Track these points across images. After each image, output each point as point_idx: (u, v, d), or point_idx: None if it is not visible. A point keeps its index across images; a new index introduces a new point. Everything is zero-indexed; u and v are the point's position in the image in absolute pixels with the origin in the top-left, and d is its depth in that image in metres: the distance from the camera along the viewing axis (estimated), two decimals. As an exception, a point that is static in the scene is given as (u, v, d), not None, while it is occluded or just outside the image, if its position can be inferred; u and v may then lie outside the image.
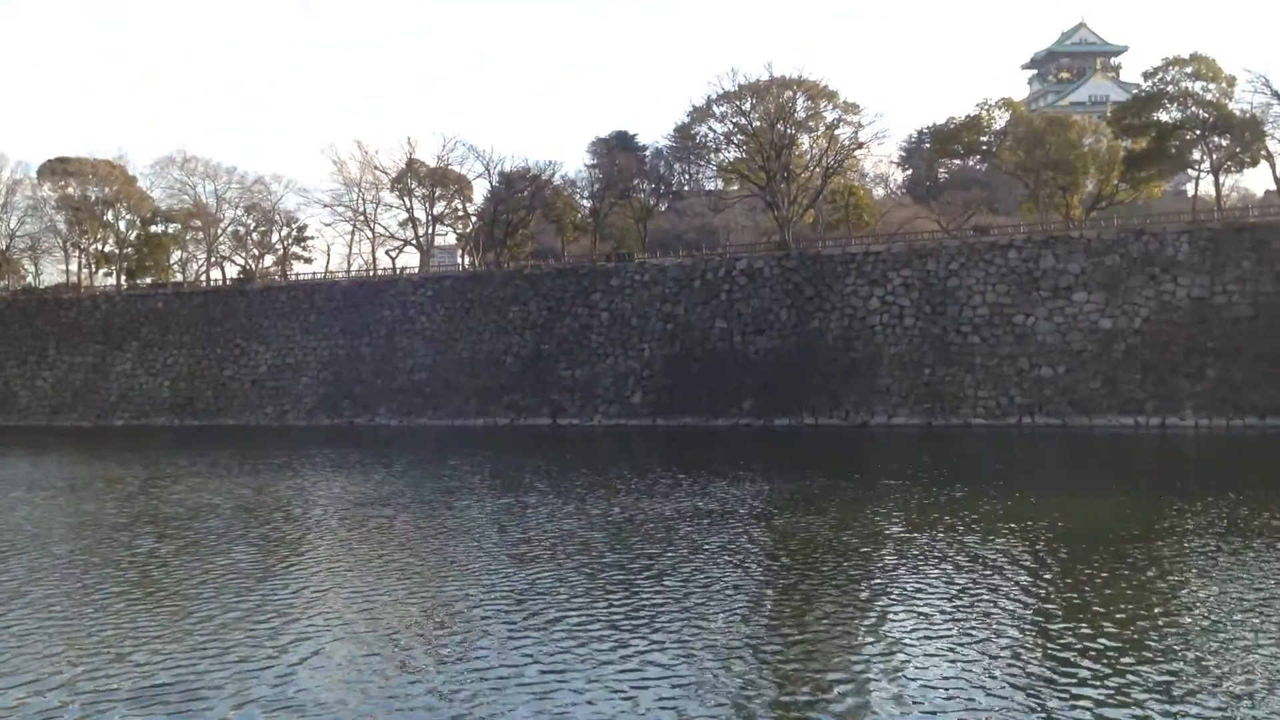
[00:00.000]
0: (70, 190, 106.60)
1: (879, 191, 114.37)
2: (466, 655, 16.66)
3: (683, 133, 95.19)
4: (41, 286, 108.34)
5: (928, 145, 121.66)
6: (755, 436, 62.48)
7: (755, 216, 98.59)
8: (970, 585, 20.63)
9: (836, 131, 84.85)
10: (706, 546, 25.29)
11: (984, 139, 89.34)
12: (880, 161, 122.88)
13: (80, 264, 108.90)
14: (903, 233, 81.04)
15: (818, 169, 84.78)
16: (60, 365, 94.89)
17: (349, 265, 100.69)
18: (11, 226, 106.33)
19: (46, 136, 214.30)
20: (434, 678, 15.56)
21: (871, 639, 17.31)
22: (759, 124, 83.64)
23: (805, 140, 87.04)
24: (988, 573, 21.71)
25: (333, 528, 29.82)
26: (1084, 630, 17.26)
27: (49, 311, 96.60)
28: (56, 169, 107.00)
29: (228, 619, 19.20)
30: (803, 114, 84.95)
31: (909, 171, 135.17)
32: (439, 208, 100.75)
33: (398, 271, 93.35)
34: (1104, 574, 21.38)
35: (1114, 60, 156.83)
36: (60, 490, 41.06)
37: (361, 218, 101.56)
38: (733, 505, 31.95)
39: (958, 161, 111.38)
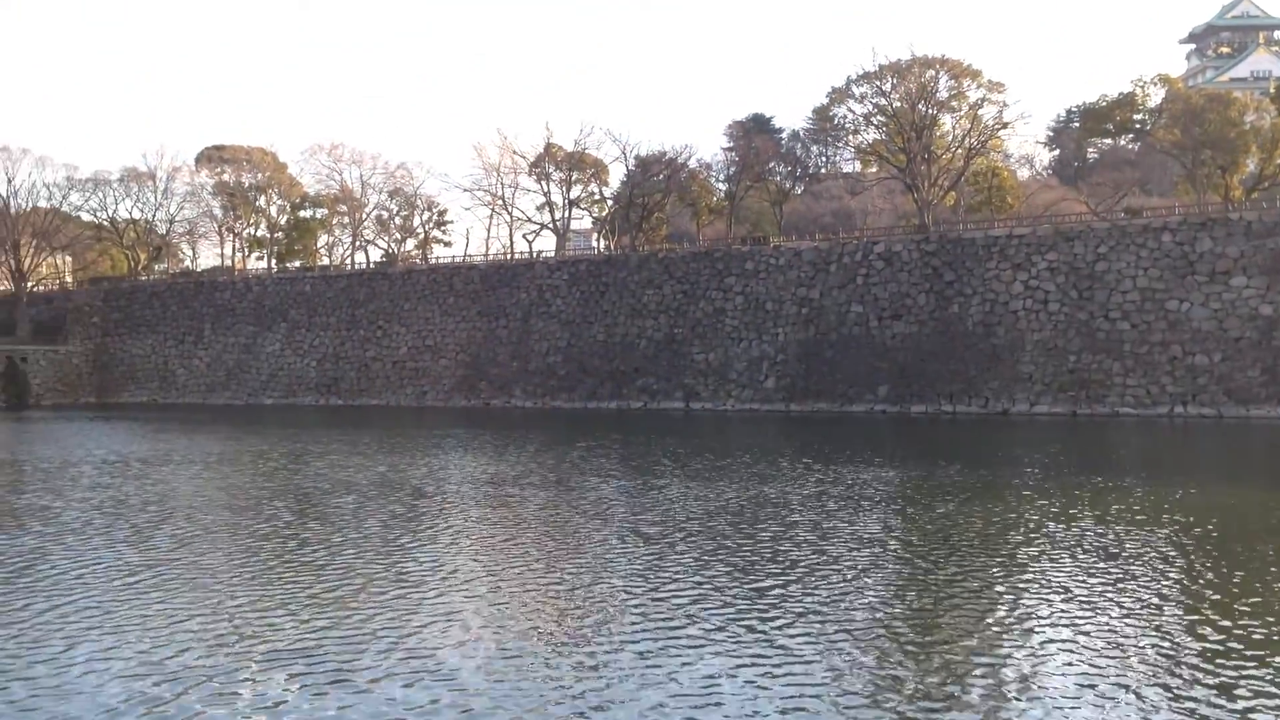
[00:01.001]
0: (225, 177, 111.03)
1: (1024, 173, 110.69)
2: (592, 636, 16.61)
3: (821, 114, 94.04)
4: (198, 269, 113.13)
5: (1077, 124, 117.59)
6: (891, 423, 61.27)
7: (894, 199, 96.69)
8: (1114, 579, 19.70)
9: (980, 111, 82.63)
10: (837, 533, 24.80)
11: (1138, 117, 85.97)
12: (1025, 141, 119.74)
13: (234, 248, 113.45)
14: (1049, 215, 78.34)
15: (960, 150, 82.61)
16: (215, 345, 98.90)
17: (487, 249, 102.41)
18: (171, 212, 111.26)
19: (202, 125, 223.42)
20: (560, 656, 15.54)
21: (1007, 631, 16.66)
22: (899, 104, 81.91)
23: (947, 120, 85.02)
24: (1133, 567, 20.72)
25: (464, 505, 30.25)
26: (1231, 630, 16.27)
27: (205, 293, 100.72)
28: (213, 156, 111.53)
29: (361, 591, 19.58)
30: (945, 93, 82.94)
31: (1056, 152, 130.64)
32: (575, 192, 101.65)
33: (534, 255, 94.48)
34: (1258, 574, 20.17)
35: (1278, 34, 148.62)
36: (210, 464, 42.74)
37: (500, 202, 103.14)
38: (866, 492, 31.31)
39: (1109, 141, 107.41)
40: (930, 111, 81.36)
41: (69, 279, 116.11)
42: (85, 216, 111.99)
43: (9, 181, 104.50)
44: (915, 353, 69.71)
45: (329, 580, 20.61)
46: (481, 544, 24.57)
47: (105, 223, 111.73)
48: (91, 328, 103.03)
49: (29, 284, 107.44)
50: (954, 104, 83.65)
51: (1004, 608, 18.07)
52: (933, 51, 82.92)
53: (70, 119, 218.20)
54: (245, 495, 33.19)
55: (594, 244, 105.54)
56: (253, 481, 36.76)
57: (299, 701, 13.78)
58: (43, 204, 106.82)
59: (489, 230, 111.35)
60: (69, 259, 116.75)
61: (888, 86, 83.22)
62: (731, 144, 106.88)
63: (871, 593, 19.19)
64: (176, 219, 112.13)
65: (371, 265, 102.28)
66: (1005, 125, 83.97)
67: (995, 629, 16.86)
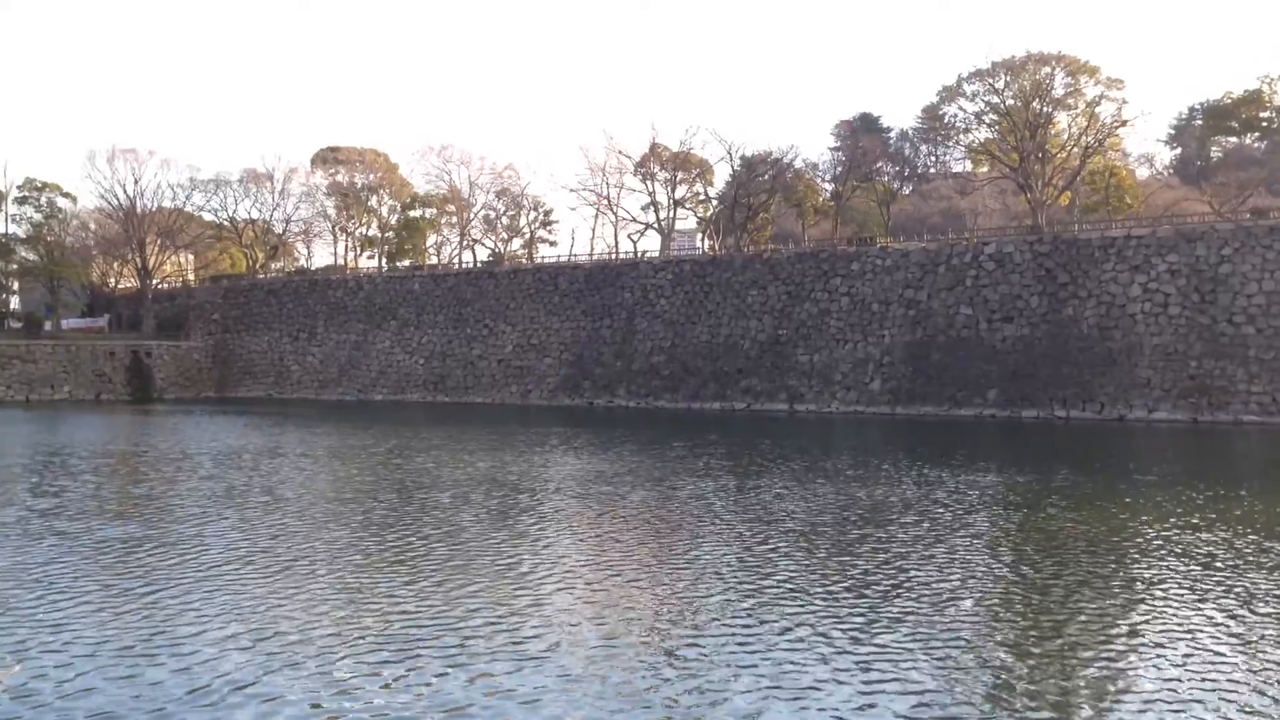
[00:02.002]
0: (339, 177, 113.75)
1: (1143, 172, 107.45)
2: (691, 634, 16.46)
3: (930, 113, 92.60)
4: (312, 268, 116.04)
5: (1200, 121, 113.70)
6: (1000, 428, 59.84)
7: (1005, 199, 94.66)
8: (1234, 593, 18.85)
9: (1097, 109, 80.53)
10: (944, 538, 24.23)
11: (1264, 115, 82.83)
12: (1145, 140, 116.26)
13: (346, 247, 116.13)
14: (1169, 215, 75.79)
15: (1076, 148, 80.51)
16: (328, 342, 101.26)
17: (592, 248, 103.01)
18: (288, 212, 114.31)
19: (318, 127, 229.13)
20: (659, 652, 15.43)
21: (1121, 643, 16.03)
22: (1013, 102, 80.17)
23: (1063, 118, 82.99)
24: (1255, 581, 19.80)
25: (564, 502, 30.35)
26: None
27: (318, 291, 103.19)
28: (327, 157, 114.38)
29: (462, 582, 19.73)
30: (1061, 90, 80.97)
31: (1177, 150, 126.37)
32: (680, 192, 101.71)
33: (639, 255, 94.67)
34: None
35: None
36: (320, 457, 43.71)
37: (605, 202, 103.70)
38: (975, 496, 30.57)
39: (1233, 139, 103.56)
40: (1045, 109, 79.43)
41: (191, 277, 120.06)
42: (207, 216, 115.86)
43: (136, 182, 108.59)
44: (1026, 356, 68.01)
45: (431, 570, 20.83)
46: (581, 539, 24.60)
47: (225, 222, 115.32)
48: (211, 324, 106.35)
49: (154, 281, 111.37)
50: (1070, 101, 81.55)
51: (1119, 620, 17.40)
52: (1048, 47, 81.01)
53: (194, 121, 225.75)
54: (352, 487, 33.82)
55: (698, 244, 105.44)
56: (360, 475, 37.46)
57: (407, 686, 13.92)
58: (167, 204, 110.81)
59: (594, 230, 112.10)
60: (191, 257, 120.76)
61: (1001, 84, 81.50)
62: (838, 144, 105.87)
63: (979, 602, 18.66)
64: (292, 219, 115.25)
65: (478, 264, 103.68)
66: (1124, 123, 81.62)
67: (1107, 642, 16.25)
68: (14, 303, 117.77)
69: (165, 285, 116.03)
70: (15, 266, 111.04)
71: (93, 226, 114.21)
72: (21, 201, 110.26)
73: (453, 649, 15.65)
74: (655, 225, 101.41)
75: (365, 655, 15.37)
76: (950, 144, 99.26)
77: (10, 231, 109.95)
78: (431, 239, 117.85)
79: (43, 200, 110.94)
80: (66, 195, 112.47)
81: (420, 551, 22.98)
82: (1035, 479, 34.92)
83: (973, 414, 66.95)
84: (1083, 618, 17.38)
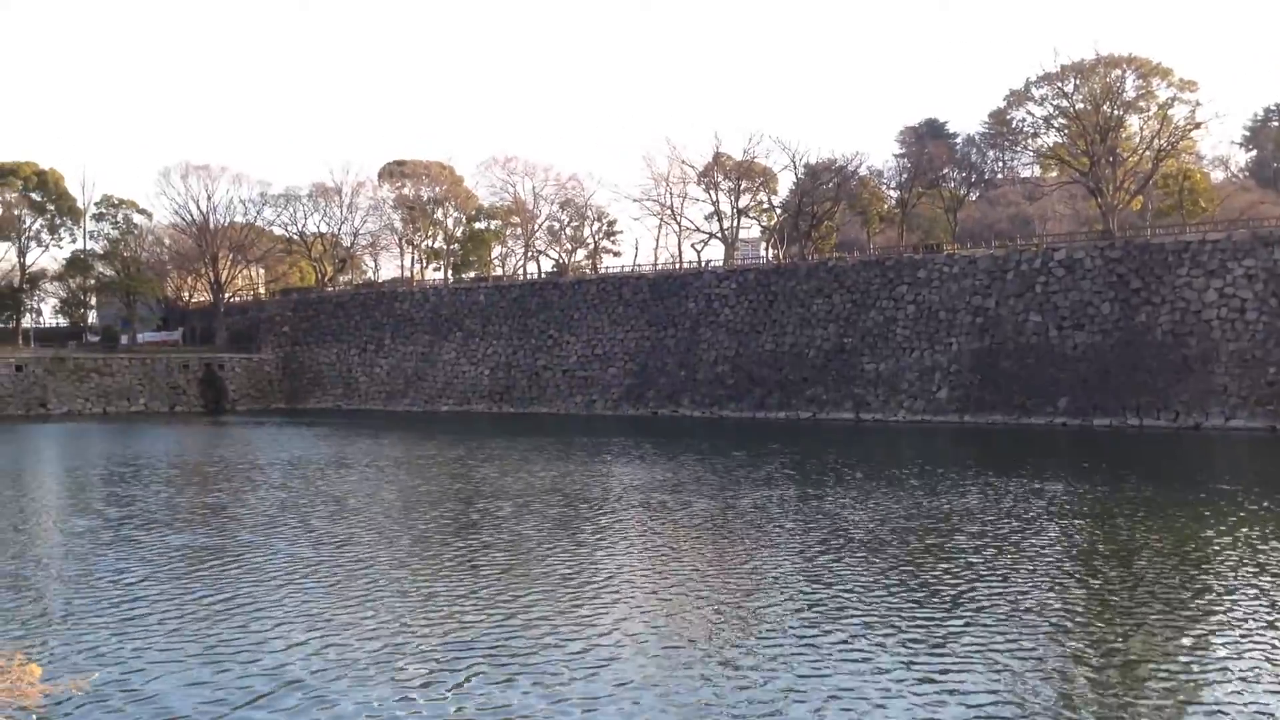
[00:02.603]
0: (406, 191, 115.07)
1: (1218, 175, 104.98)
2: (752, 643, 16.31)
3: (997, 118, 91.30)
4: (379, 280, 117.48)
5: (1276, 123, 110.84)
6: (1072, 436, 58.72)
7: (1075, 204, 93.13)
8: (1320, 605, 18.25)
9: (1170, 111, 78.82)
10: (1014, 548, 23.78)
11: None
12: (1220, 142, 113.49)
13: (413, 259, 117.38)
14: (1245, 219, 73.91)
15: (1148, 152, 78.96)
16: (395, 354, 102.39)
17: (656, 258, 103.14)
18: (355, 225, 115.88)
19: (385, 141, 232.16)
20: (719, 661, 15.30)
21: (1189, 656, 15.58)
22: (1082, 106, 78.84)
23: (1134, 121, 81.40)
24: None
25: (628, 511, 30.30)
26: None
27: (385, 304, 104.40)
28: (394, 171, 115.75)
29: (527, 590, 19.76)
30: (1132, 93, 79.41)
31: (1253, 152, 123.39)
32: (744, 201, 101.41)
33: (702, 264, 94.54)
34: None
35: None
36: (386, 468, 44.16)
37: (668, 212, 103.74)
38: (1046, 506, 29.99)
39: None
40: (1116, 112, 78.02)
41: (261, 290, 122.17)
42: (277, 230, 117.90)
43: (209, 198, 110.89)
44: (1098, 364, 66.72)
45: (493, 578, 20.90)
46: (642, 548, 24.53)
47: (295, 236, 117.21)
48: (282, 336, 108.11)
49: (226, 295, 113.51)
50: (1142, 104, 79.99)
51: (1188, 633, 16.93)
52: (1118, 50, 79.56)
53: (264, 137, 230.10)
54: (417, 497, 34.10)
55: (762, 253, 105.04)
56: (424, 484, 37.76)
57: (468, 693, 13.95)
58: (239, 219, 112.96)
59: (657, 240, 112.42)
60: (262, 271, 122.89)
61: (1070, 87, 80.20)
62: (903, 150, 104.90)
63: (1045, 614, 18.25)
64: (360, 232, 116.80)
65: (543, 275, 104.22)
66: (1197, 125, 79.84)
67: (1175, 655, 15.80)
68: (92, 317, 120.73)
69: (237, 299, 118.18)
70: (93, 282, 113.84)
71: (167, 242, 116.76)
72: (99, 218, 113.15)
73: (513, 656, 15.67)
74: (719, 234, 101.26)
75: (428, 661, 15.44)
76: (1018, 149, 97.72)
77: (89, 248, 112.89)
78: (496, 250, 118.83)
79: (119, 217, 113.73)
80: (142, 212, 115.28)
81: (483, 560, 23.06)
82: (1106, 488, 34.17)
83: (1043, 422, 65.79)
84: (1152, 631, 16.93)
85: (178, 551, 24.55)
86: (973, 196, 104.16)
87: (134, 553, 24.47)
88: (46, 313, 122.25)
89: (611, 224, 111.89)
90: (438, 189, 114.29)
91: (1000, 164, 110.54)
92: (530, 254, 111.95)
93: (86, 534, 27.42)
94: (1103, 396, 65.53)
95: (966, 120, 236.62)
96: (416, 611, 18.48)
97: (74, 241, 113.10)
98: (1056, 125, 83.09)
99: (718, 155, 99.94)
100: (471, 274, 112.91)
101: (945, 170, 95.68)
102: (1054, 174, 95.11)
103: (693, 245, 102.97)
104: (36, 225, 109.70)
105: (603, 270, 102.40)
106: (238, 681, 14.71)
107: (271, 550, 24.44)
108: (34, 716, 11.14)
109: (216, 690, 14.36)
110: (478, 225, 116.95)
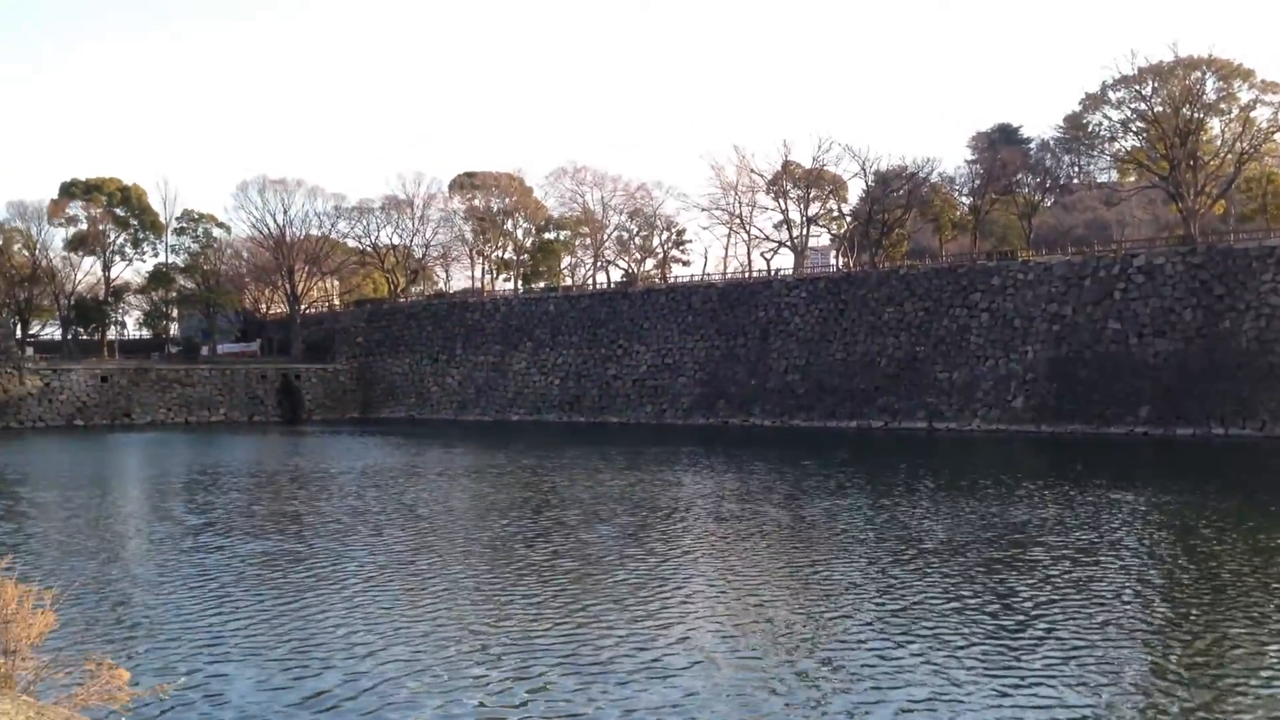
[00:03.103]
0: (476, 202, 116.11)
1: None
2: (823, 652, 16.15)
3: (1073, 122, 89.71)
4: (450, 291, 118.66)
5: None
6: (1154, 446, 57.42)
7: (1154, 209, 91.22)
8: None
9: (1253, 113, 76.81)
10: (1095, 562, 23.30)
11: None
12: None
13: (483, 270, 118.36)
14: (1334, 222, 71.81)
15: (1229, 155, 77.05)
16: (465, 364, 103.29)
17: (725, 267, 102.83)
18: (427, 237, 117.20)
19: (456, 152, 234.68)
20: (790, 669, 15.17)
21: (1274, 672, 15.13)
22: (1161, 109, 77.20)
23: (1215, 124, 79.54)
24: None
25: (696, 521, 30.22)
26: None
27: (456, 314, 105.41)
28: (465, 183, 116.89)
29: (595, 597, 19.78)
30: (1213, 95, 77.59)
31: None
32: (813, 209, 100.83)
33: (772, 273, 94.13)
34: None
35: None
36: (458, 476, 44.57)
37: (737, 220, 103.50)
38: (1129, 518, 29.33)
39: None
40: (1196, 115, 76.26)
41: (336, 301, 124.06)
42: (350, 242, 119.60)
43: (285, 211, 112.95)
44: (1180, 372, 65.19)
45: (563, 586, 20.96)
46: (712, 557, 24.43)
47: (368, 248, 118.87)
48: (356, 347, 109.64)
49: (301, 306, 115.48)
50: (1223, 106, 78.11)
51: (1274, 649, 16.43)
52: (1198, 51, 77.70)
53: (338, 151, 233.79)
54: (488, 505, 34.35)
55: (832, 261, 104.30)
56: (495, 492, 38.02)
57: (539, 699, 13.99)
58: (314, 232, 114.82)
59: (727, 249, 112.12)
60: (336, 282, 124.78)
61: (1148, 90, 78.59)
62: (976, 156, 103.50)
63: (1129, 627, 17.83)
64: (431, 243, 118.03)
65: (612, 285, 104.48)
66: (1281, 127, 77.77)
67: (1263, 672, 15.33)
68: (173, 329, 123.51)
69: (312, 310, 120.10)
70: (175, 294, 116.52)
71: (245, 254, 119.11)
72: (180, 232, 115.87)
73: (584, 664, 15.69)
74: (788, 243, 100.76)
75: (500, 669, 15.52)
76: (1095, 153, 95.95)
77: (170, 261, 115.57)
78: (566, 260, 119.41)
79: (199, 231, 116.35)
80: (221, 225, 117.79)
81: (553, 567, 23.14)
82: (1190, 499, 33.33)
83: (1123, 432, 64.43)
84: (1236, 645, 16.45)
85: (256, 557, 25.00)
86: (1048, 202, 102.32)
87: (215, 559, 24.95)
88: (130, 325, 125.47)
89: (680, 233, 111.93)
90: (507, 200, 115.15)
91: (1076, 169, 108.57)
92: (599, 264, 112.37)
93: (169, 540, 28.03)
94: (1185, 405, 64.02)
95: (1040, 124, 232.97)
96: (489, 618, 18.59)
97: (156, 255, 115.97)
98: (1134, 129, 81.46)
99: (786, 163, 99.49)
100: (541, 284, 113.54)
101: (1019, 175, 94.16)
102: (1132, 179, 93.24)
103: (762, 254, 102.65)
104: (120, 240, 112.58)
105: (672, 279, 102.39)
106: (315, 685, 14.92)
107: (346, 557, 24.77)
108: (122, 718, 11.41)
109: (294, 695, 14.58)
110: (547, 236, 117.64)
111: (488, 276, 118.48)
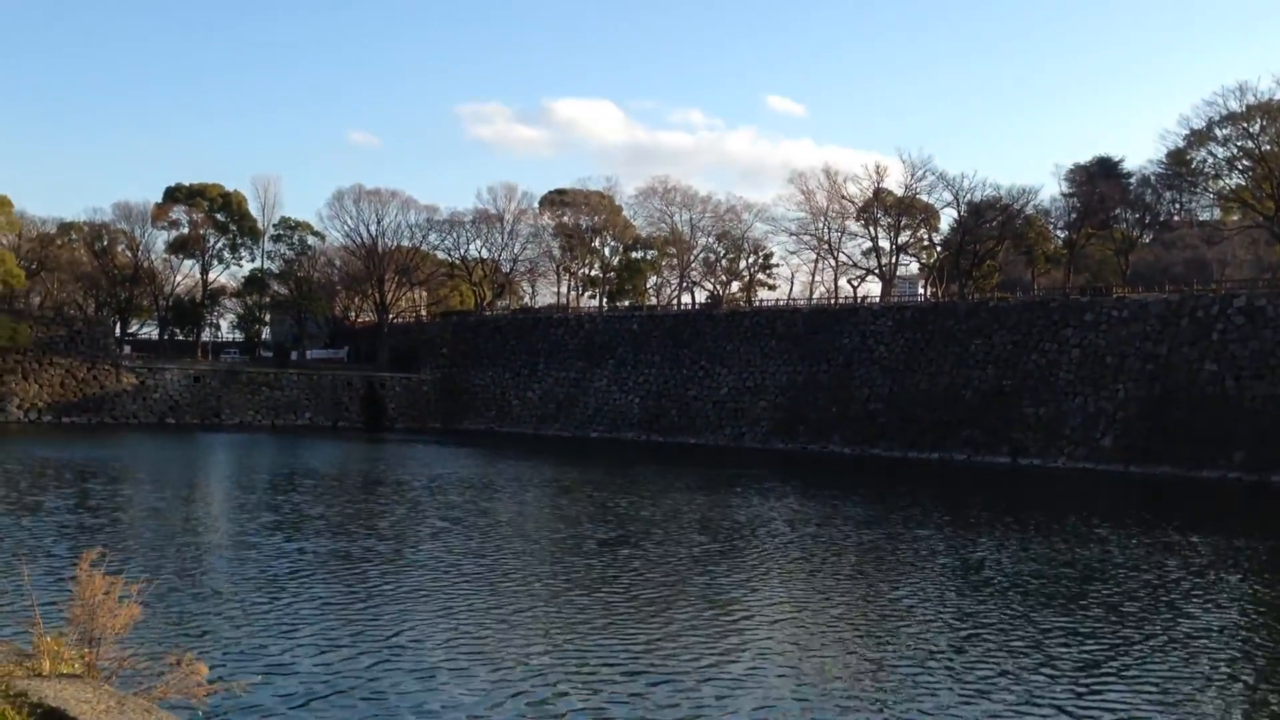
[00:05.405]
0: (565, 219, 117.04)
1: None
2: (894, 682, 15.87)
3: (1175, 158, 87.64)
4: (536, 306, 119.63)
5: None
6: (1248, 492, 55.62)
7: (1257, 250, 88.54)
8: None
9: (1365, 153, 74.32)
10: (1183, 610, 22.58)
11: None
12: None
13: (569, 286, 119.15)
14: None
15: (1340, 196, 74.60)
16: (547, 379, 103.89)
17: (811, 292, 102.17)
18: (515, 252, 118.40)
19: (547, 170, 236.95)
20: (861, 703, 14.93)
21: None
22: (1269, 147, 75.07)
23: (1324, 164, 77.00)
24: None
25: (770, 543, 29.96)
26: None
27: (541, 329, 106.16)
28: (555, 200, 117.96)
29: (662, 619, 19.68)
30: (1324, 134, 75.25)
31: None
32: (904, 237, 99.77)
33: (859, 300, 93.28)
34: None
35: None
36: (534, 489, 44.81)
37: (826, 246, 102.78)
38: (1220, 566, 28.40)
39: None
40: (1305, 154, 74.07)
41: (423, 312, 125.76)
42: (440, 255, 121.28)
43: (378, 222, 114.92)
44: (1278, 417, 63.07)
45: (635, 602, 20.91)
46: (784, 581, 24.20)
47: (457, 261, 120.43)
48: (440, 358, 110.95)
49: (390, 316, 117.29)
50: (1334, 146, 75.77)
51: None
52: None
53: (431, 165, 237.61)
54: (562, 519, 34.46)
55: (920, 290, 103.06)
56: (570, 507, 38.16)
57: (618, 710, 13.97)
58: (405, 243, 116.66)
59: (813, 274, 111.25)
60: (424, 293, 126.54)
61: (1256, 128, 76.52)
62: (1072, 189, 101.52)
63: (1212, 671, 17.24)
64: (519, 258, 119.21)
65: (697, 306, 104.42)
66: (1396, 169, 75.13)
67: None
68: (265, 333, 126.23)
69: (400, 320, 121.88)
70: (268, 300, 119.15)
71: (337, 263, 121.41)
72: (276, 239, 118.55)
73: (656, 679, 15.59)
74: (877, 270, 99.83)
75: (574, 680, 15.50)
76: (1197, 190, 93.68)
77: (265, 266, 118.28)
78: (651, 280, 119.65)
79: (295, 238, 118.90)
80: (315, 234, 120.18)
81: (628, 582, 23.11)
82: (1286, 550, 32.19)
83: (1216, 476, 62.50)
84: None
85: (335, 559, 25.36)
86: (1146, 238, 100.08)
87: (295, 558, 25.37)
88: (224, 328, 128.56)
89: (767, 257, 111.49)
90: (596, 218, 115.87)
91: (1177, 205, 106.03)
92: (685, 284, 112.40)
93: (253, 539, 28.58)
94: (1283, 452, 61.87)
95: (1139, 158, 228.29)
96: (564, 629, 18.60)
97: (252, 260, 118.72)
98: (1240, 167, 79.38)
99: (878, 191, 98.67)
100: (626, 302, 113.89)
101: (1117, 210, 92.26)
102: (1235, 217, 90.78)
103: (849, 280, 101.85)
104: (219, 244, 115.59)
105: (757, 303, 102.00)
106: (390, 687, 15.04)
107: (422, 563, 25.01)
108: (200, 713, 11.60)
109: (366, 693, 14.70)
110: (634, 254, 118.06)
111: (573, 293, 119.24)
